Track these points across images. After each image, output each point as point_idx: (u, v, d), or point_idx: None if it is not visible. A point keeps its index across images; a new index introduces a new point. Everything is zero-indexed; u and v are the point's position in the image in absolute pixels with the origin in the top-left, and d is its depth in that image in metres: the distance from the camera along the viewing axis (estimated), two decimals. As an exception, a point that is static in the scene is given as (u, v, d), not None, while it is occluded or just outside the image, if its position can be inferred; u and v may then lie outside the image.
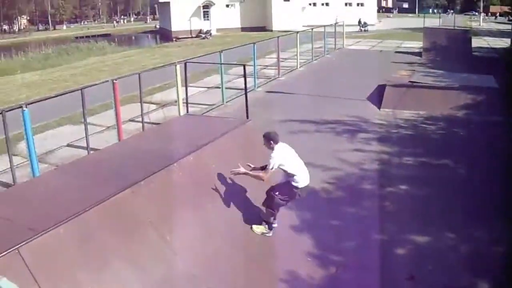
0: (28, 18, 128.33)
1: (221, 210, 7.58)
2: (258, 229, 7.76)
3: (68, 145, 13.69)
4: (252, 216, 7.92)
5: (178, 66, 14.77)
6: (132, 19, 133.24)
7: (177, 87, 14.78)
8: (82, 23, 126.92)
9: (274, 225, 7.80)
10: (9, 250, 4.97)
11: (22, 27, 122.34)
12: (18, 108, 9.92)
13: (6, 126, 9.57)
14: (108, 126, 14.56)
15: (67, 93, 13.27)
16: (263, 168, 7.61)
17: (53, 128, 15.11)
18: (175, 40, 60.92)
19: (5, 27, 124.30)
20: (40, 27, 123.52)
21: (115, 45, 52.78)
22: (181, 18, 68.29)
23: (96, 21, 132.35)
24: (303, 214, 8.67)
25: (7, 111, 9.65)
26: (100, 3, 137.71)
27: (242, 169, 7.54)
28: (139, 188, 6.55)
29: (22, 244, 5.07)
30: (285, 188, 7.63)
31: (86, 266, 5.50)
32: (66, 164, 9.52)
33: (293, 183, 7.54)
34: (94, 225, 5.84)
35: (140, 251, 6.08)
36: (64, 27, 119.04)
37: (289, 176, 7.58)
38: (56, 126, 15.37)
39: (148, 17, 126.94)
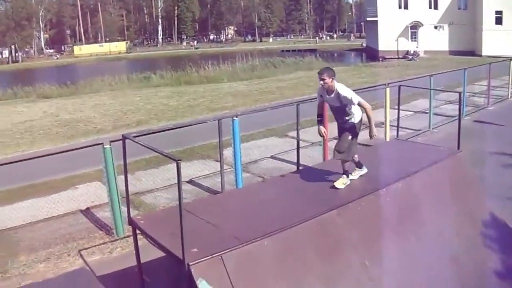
0: (235, 29, 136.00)
1: (425, 242, 7.28)
2: (343, 180, 7.56)
3: (272, 157, 14.20)
4: (458, 250, 7.50)
5: (388, 89, 14.62)
6: (335, 36, 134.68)
7: (386, 109, 14.64)
8: (288, 37, 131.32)
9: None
10: (213, 255, 5.26)
11: (229, 37, 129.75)
12: (229, 117, 10.47)
13: (221, 134, 10.30)
14: (312, 142, 14.72)
15: (280, 106, 13.79)
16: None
17: (258, 139, 15.69)
18: (381, 60, 60.33)
19: (213, 36, 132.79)
20: (247, 38, 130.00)
21: (322, 61, 53.53)
22: (388, 37, 67.95)
23: (302, 36, 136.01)
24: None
25: (220, 119, 10.25)
26: (307, 18, 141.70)
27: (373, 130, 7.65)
28: (345, 210, 6.58)
29: (226, 251, 5.33)
30: (355, 129, 7.69)
31: (283, 281, 5.63)
32: (274, 177, 9.99)
33: (358, 118, 7.65)
34: (297, 242, 5.97)
35: (337, 273, 6.10)
36: (270, 39, 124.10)
37: (354, 113, 7.58)
38: (261, 137, 15.96)
39: (352, 35, 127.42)
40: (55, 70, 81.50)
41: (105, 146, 9.15)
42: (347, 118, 7.56)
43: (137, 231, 6.54)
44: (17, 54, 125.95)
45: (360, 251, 6.43)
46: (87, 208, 11.29)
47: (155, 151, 5.72)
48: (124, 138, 6.33)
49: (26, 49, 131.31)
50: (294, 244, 5.92)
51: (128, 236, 9.54)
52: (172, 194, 11.69)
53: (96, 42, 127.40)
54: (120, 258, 8.93)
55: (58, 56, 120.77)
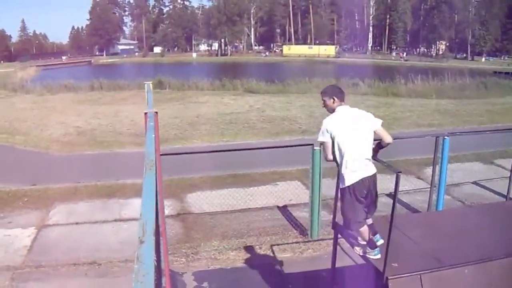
0: (447, 44, 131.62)
1: None
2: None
3: (474, 183, 13.64)
4: None
5: None
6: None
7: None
8: (502, 58, 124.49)
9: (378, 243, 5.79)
10: (412, 273, 5.24)
11: (439, 52, 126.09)
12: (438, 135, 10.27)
13: (436, 152, 10.45)
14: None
15: (496, 131, 13.35)
16: None
17: (461, 162, 15.14)
18: None
19: (423, 49, 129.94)
20: (458, 55, 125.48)
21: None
22: None
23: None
24: None
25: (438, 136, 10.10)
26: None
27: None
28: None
29: (425, 271, 5.27)
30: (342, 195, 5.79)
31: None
32: (480, 204, 9.96)
33: (342, 177, 5.65)
34: (499, 276, 5.71)
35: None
36: (483, 59, 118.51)
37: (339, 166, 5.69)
38: (464, 161, 15.39)
39: None
40: (262, 66, 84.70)
41: (314, 148, 9.39)
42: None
43: (339, 236, 6.65)
44: (226, 48, 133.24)
45: None
46: (285, 206, 11.73)
47: (376, 160, 5.79)
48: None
49: (236, 44, 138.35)
50: (495, 278, 5.68)
51: (322, 240, 9.77)
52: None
53: (305, 43, 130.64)
54: (310, 260, 9.16)
55: (267, 53, 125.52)
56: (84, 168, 16.07)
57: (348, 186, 5.56)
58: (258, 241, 9.93)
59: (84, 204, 12.66)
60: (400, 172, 5.09)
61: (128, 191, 13.16)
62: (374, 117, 5.75)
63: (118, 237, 10.46)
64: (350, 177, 5.54)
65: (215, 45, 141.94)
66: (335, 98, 5.83)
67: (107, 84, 44.95)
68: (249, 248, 9.65)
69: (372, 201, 5.75)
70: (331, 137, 5.65)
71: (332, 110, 5.85)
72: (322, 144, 5.90)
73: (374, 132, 5.65)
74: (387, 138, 5.67)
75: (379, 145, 5.81)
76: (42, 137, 21.85)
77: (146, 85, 7.61)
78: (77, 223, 11.38)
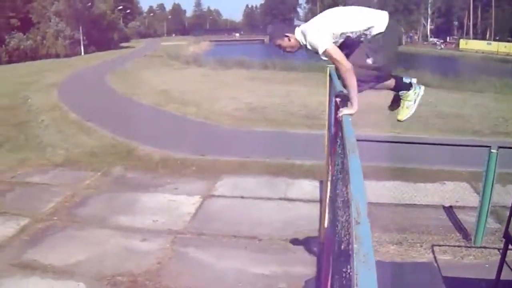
0: None
1: None
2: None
3: None
4: None
5: None
6: None
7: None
8: None
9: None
10: None
11: None
12: None
13: None
14: None
15: None
16: None
17: None
18: None
19: None
20: None
21: None
22: None
23: None
24: None
25: None
26: None
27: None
28: None
29: None
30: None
31: None
32: None
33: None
34: None
35: None
36: None
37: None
38: None
39: None
40: (437, 59, 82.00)
41: (491, 151, 9.04)
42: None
43: (510, 247, 6.40)
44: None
45: None
46: (450, 206, 11.42)
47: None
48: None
49: (411, 34, 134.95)
50: None
51: (484, 247, 9.45)
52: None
53: (483, 38, 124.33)
54: (469, 266, 8.92)
55: (442, 46, 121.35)
56: (253, 144, 16.61)
57: None
58: (419, 239, 9.81)
59: (251, 179, 13.15)
60: None
61: (296, 172, 13.45)
62: None
63: (281, 215, 10.78)
64: None
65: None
66: (289, 35, 4.60)
67: (279, 63, 45.39)
68: (409, 244, 9.59)
69: None
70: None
71: (296, 47, 4.67)
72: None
73: None
74: None
75: None
76: (213, 110, 22.85)
77: (328, 68, 7.72)
78: (242, 197, 11.89)
